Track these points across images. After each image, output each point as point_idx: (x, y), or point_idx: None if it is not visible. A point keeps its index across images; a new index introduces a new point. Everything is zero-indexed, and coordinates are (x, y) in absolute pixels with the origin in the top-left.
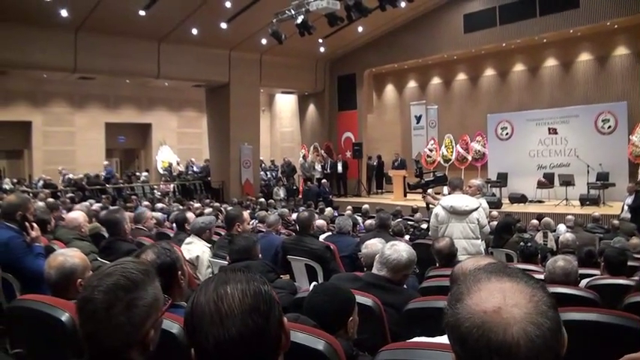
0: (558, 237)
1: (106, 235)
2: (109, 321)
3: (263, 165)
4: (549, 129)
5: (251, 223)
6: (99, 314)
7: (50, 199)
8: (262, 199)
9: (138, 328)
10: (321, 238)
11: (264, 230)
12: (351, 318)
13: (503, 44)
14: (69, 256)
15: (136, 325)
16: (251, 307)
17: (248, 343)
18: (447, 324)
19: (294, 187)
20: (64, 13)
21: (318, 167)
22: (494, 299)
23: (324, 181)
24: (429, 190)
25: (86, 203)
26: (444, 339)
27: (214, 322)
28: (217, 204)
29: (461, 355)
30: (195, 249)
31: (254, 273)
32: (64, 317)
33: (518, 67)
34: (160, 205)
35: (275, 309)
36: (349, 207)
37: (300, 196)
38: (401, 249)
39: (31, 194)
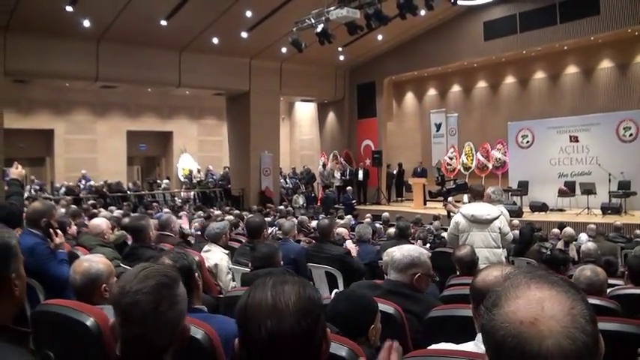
0: (580, 246)
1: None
2: (158, 319)
3: (282, 173)
4: (570, 137)
5: (270, 230)
6: (148, 314)
7: (73, 206)
8: (282, 207)
9: (179, 323)
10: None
11: (281, 238)
12: (372, 326)
13: (524, 51)
14: (94, 262)
15: (179, 320)
16: (304, 310)
17: (297, 341)
18: (483, 327)
19: (313, 195)
20: (86, 23)
21: (337, 175)
22: (531, 309)
23: (348, 188)
24: (450, 198)
25: (105, 212)
26: (466, 347)
27: (270, 314)
28: (237, 211)
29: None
30: (213, 257)
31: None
32: (89, 322)
33: (539, 75)
34: (182, 213)
35: (322, 317)
36: (368, 215)
37: (319, 204)
38: (409, 248)
39: (52, 201)
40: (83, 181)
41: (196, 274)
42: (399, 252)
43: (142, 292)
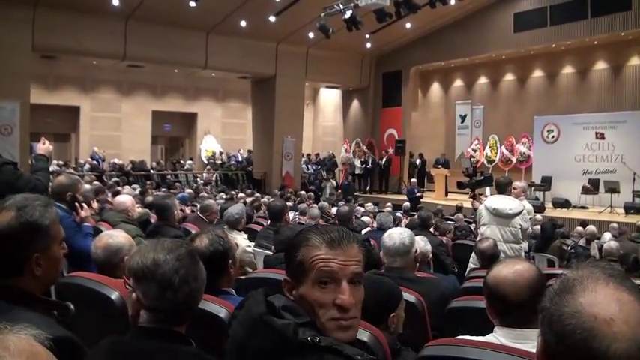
0: (602, 245)
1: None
2: (196, 283)
3: (304, 158)
4: (596, 134)
5: (292, 215)
6: (189, 279)
7: (96, 182)
8: (303, 192)
9: (203, 290)
10: (362, 233)
11: (304, 223)
12: (393, 313)
13: (553, 45)
14: (114, 235)
15: (204, 286)
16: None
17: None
18: (545, 309)
19: (335, 183)
20: (115, 1)
21: (358, 163)
22: (609, 307)
23: (413, 180)
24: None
25: (129, 189)
26: (486, 338)
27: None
28: (258, 194)
29: (552, 345)
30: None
31: None
32: (114, 295)
33: (567, 70)
34: (204, 195)
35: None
36: (389, 204)
37: (340, 191)
38: (400, 231)
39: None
40: (97, 158)
41: (230, 260)
42: (398, 237)
43: (179, 260)
